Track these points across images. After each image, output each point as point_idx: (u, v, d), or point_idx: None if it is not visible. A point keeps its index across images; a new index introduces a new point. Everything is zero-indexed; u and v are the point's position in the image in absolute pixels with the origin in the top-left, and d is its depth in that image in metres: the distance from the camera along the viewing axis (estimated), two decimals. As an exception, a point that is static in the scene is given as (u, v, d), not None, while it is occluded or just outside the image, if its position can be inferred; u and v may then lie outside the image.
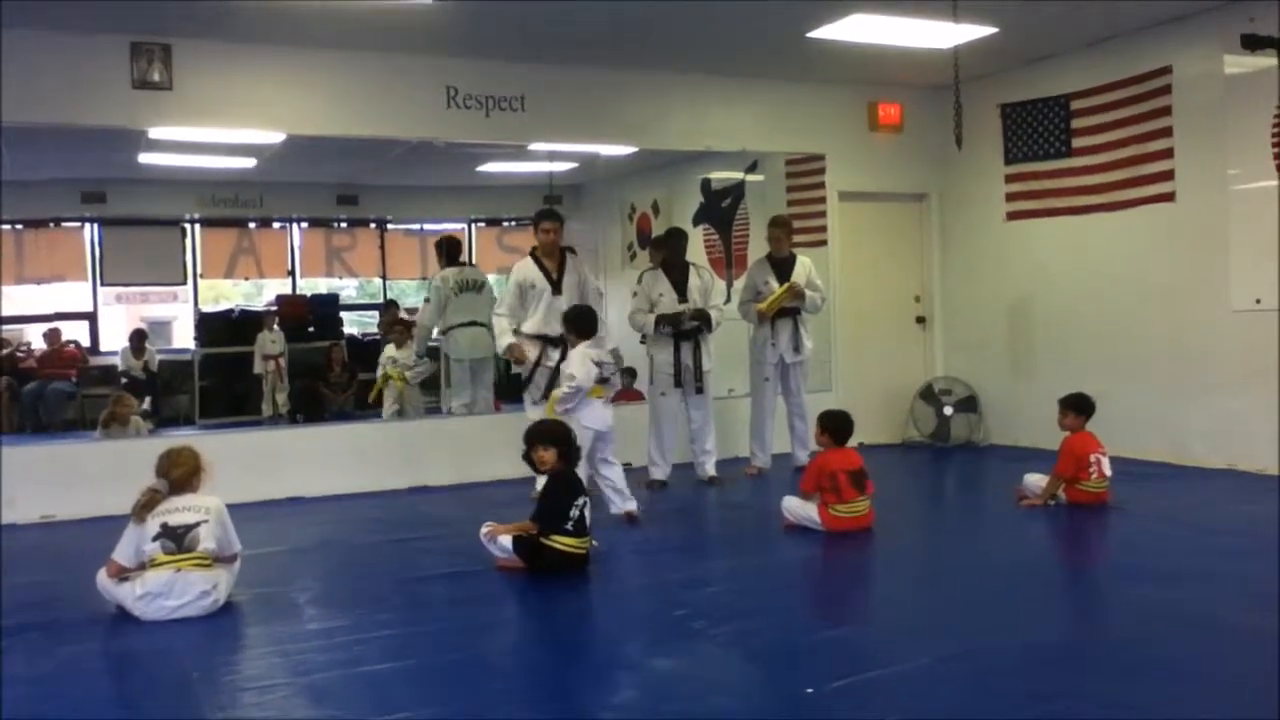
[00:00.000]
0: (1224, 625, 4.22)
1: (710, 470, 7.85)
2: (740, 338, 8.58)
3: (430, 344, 10.09)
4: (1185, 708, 3.42)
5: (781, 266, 8.19)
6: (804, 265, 8.23)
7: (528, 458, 5.41)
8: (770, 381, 8.24)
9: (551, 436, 5.37)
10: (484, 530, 5.37)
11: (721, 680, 3.80)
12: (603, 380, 6.29)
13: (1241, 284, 7.50)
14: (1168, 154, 7.94)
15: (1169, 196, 7.95)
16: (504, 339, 7.12)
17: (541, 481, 5.62)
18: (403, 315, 13.60)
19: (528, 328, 7.19)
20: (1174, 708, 3.42)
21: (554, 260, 7.21)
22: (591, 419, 6.27)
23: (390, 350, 10.34)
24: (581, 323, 6.51)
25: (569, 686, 3.81)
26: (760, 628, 4.38)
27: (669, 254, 7.97)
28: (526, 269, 7.20)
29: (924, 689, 3.61)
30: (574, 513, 5.15)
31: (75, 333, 13.06)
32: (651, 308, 7.77)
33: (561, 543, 5.12)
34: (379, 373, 10.38)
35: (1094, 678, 3.65)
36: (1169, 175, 7.94)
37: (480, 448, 8.16)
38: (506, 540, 5.24)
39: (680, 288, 7.76)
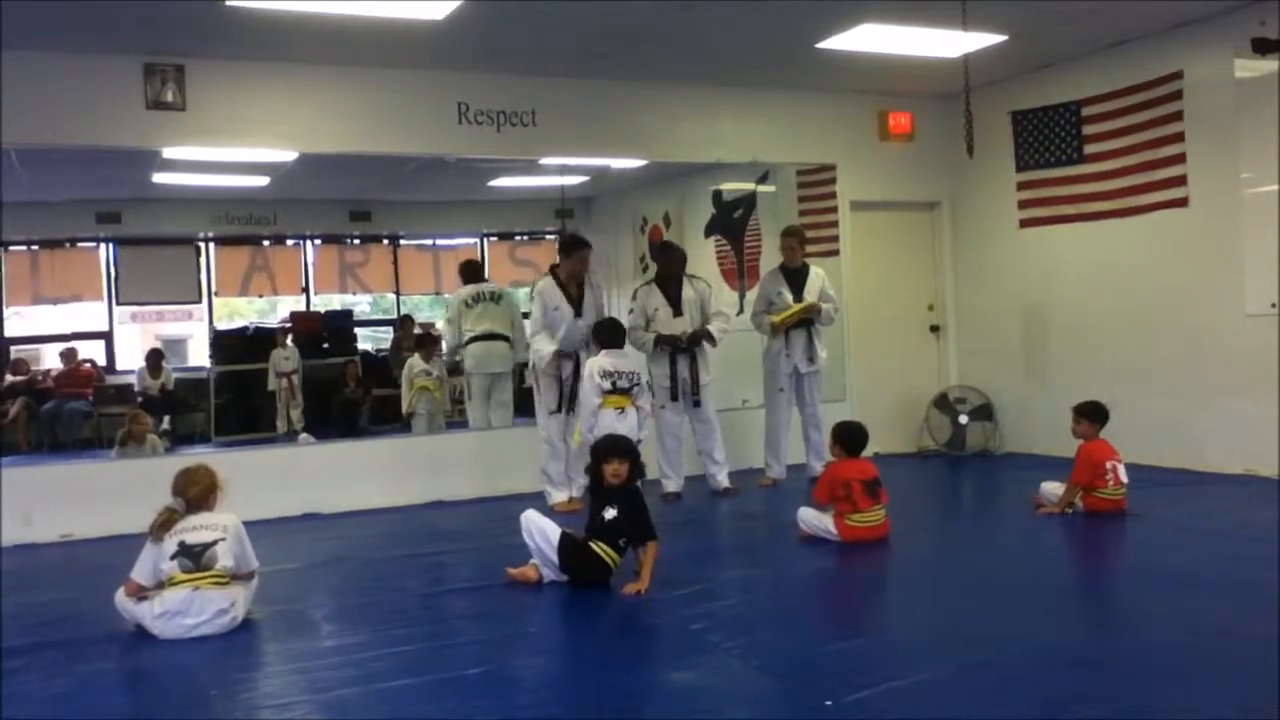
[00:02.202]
0: (1243, 632, 4.19)
1: (723, 481, 7.84)
2: (754, 349, 8.57)
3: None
4: (1205, 714, 3.41)
5: (795, 277, 8.19)
6: (817, 276, 8.23)
7: (595, 471, 5.30)
8: (785, 392, 8.24)
9: (625, 450, 5.29)
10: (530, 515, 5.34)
11: (740, 693, 3.79)
12: (619, 390, 6.22)
13: (1256, 288, 7.46)
14: (1180, 159, 7.91)
15: (1182, 202, 7.93)
16: (548, 349, 7.19)
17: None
18: (417, 330, 13.65)
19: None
20: (1194, 714, 3.41)
21: (576, 284, 7.38)
22: (604, 430, 6.23)
23: (419, 363, 10.37)
24: (602, 333, 6.52)
25: (588, 701, 3.79)
26: (778, 639, 4.38)
27: (661, 268, 8.03)
28: (550, 290, 7.30)
29: (943, 699, 3.59)
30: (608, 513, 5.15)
31: (91, 352, 13.13)
32: (648, 323, 7.79)
33: (604, 550, 5.11)
34: (406, 386, 10.38)
35: (1114, 685, 3.64)
36: (1182, 180, 7.91)
37: (498, 462, 8.18)
38: (554, 535, 5.19)
39: (675, 301, 7.77)
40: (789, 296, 8.13)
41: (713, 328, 7.75)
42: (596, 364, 6.30)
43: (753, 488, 8.08)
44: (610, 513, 5.14)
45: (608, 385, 6.20)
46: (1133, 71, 8.18)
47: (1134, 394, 7.88)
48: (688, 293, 7.79)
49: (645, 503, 5.23)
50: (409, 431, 10.09)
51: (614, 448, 5.27)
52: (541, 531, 5.22)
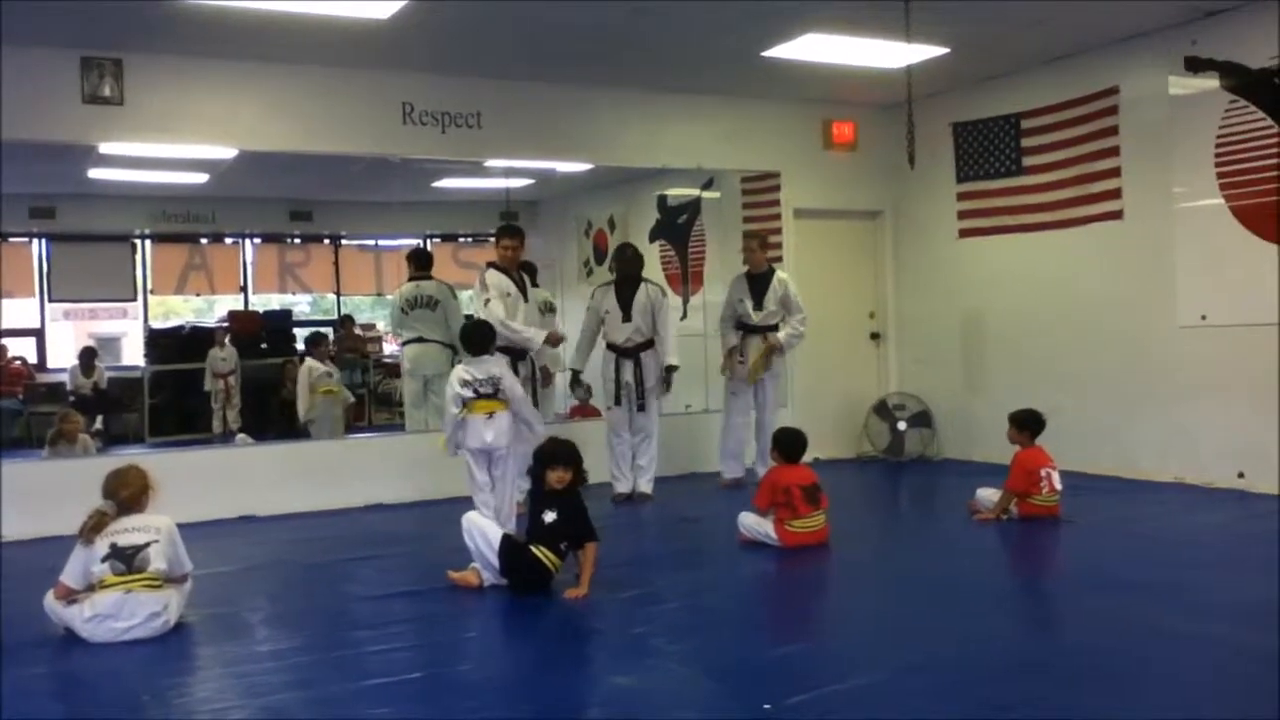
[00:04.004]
0: (1173, 633, 4.29)
1: (642, 486, 7.86)
2: (697, 354, 8.60)
3: (387, 359, 10.05)
4: (1140, 715, 3.48)
5: (757, 283, 8.21)
6: (780, 282, 8.23)
7: (538, 475, 5.25)
8: (739, 396, 8.28)
9: (569, 457, 5.21)
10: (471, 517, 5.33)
11: (681, 697, 3.80)
12: (482, 396, 6.09)
13: (1188, 300, 7.63)
14: (1115, 173, 8.07)
15: (1117, 214, 8.09)
16: (534, 334, 7.12)
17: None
18: (357, 330, 13.54)
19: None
20: (1127, 713, 3.48)
21: (514, 273, 7.35)
22: (472, 439, 6.08)
23: (318, 366, 10.20)
24: (468, 339, 6.38)
25: (529, 705, 3.79)
26: (719, 644, 4.39)
27: (618, 270, 8.03)
28: (503, 280, 7.23)
29: (882, 702, 3.63)
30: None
31: (22, 349, 12.85)
32: (600, 324, 7.84)
33: (544, 554, 5.09)
34: (305, 391, 10.16)
35: (1050, 686, 3.70)
36: (1116, 194, 8.07)
37: (438, 464, 8.05)
38: (495, 537, 5.18)
39: (626, 306, 7.78)
40: (749, 304, 8.18)
41: (659, 381, 7.80)
42: (456, 374, 6.19)
43: (704, 491, 8.13)
44: (550, 516, 5.14)
45: (469, 394, 6.10)
46: (1070, 86, 8.33)
47: (1068, 402, 8.02)
48: (640, 298, 7.79)
49: (585, 505, 5.23)
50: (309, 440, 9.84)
51: (558, 455, 5.22)
52: (483, 534, 5.21)
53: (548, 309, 8.17)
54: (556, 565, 5.12)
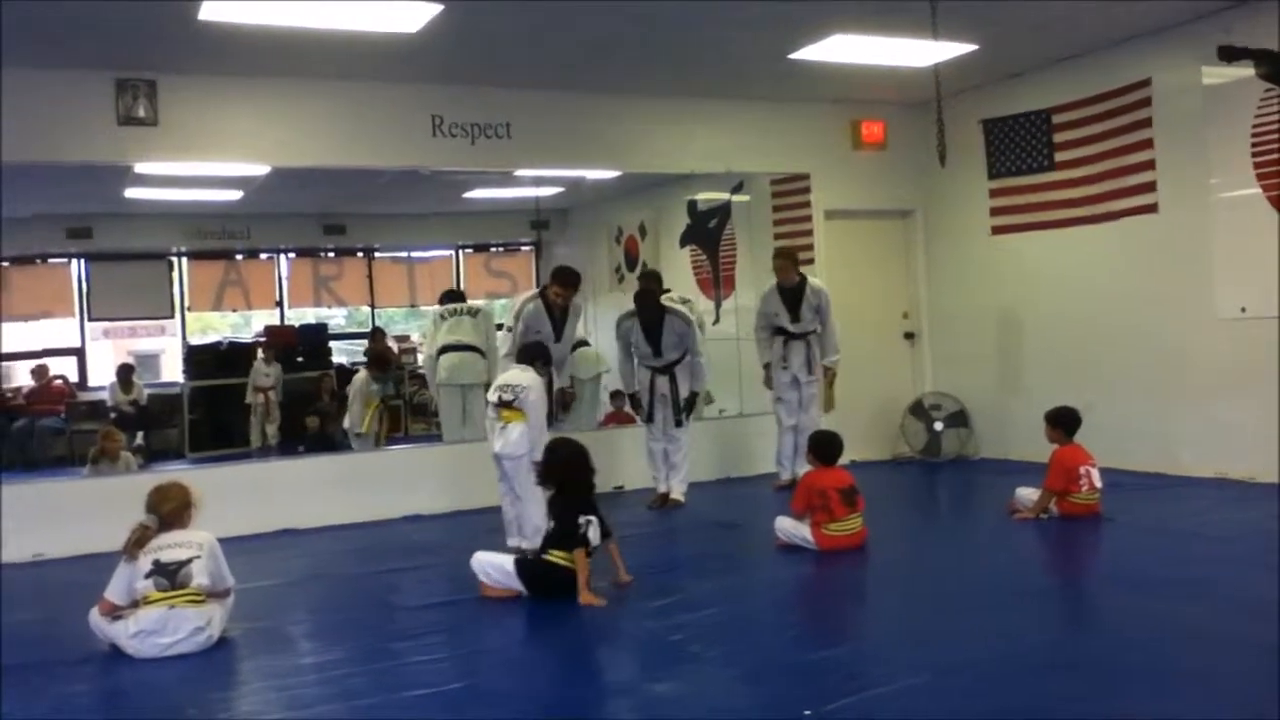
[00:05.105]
0: (1217, 633, 4.24)
1: (674, 492, 7.83)
2: (730, 359, 8.59)
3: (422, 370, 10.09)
4: (1175, 713, 3.45)
5: (790, 295, 8.20)
6: (814, 292, 8.22)
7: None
8: (784, 401, 8.30)
9: (548, 451, 5.44)
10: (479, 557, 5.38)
11: (720, 703, 3.80)
12: (503, 404, 6.18)
13: (1226, 292, 7.53)
14: (1149, 165, 7.99)
15: (1152, 208, 8.00)
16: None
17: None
18: (389, 343, 13.60)
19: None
20: (1164, 712, 3.45)
21: (560, 310, 7.44)
22: (494, 445, 6.24)
23: (372, 380, 10.29)
24: (522, 351, 6.57)
25: (569, 713, 3.79)
26: (757, 649, 4.38)
27: (638, 306, 7.86)
28: (537, 315, 7.31)
29: (923, 704, 3.61)
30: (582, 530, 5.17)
31: (63, 368, 13.01)
32: (630, 349, 7.88)
33: (560, 557, 5.12)
34: (361, 404, 10.23)
35: (1090, 688, 3.66)
36: (1151, 186, 7.99)
37: (473, 475, 8.11)
38: (507, 563, 5.24)
39: (656, 342, 7.74)
40: (786, 318, 8.18)
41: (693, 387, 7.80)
42: (496, 381, 6.46)
43: (740, 496, 8.11)
44: (549, 524, 5.30)
45: (494, 399, 6.22)
46: (1102, 79, 8.25)
47: (1107, 398, 7.93)
48: (668, 337, 7.71)
49: (569, 513, 5.20)
50: (352, 450, 9.93)
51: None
52: (496, 567, 5.30)
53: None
54: (572, 563, 5.11)
